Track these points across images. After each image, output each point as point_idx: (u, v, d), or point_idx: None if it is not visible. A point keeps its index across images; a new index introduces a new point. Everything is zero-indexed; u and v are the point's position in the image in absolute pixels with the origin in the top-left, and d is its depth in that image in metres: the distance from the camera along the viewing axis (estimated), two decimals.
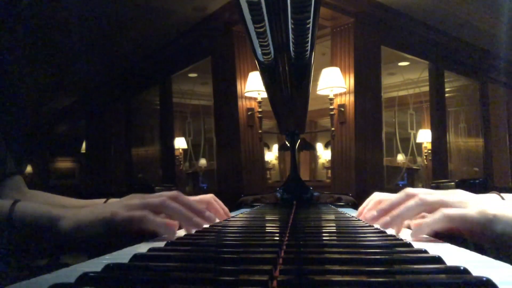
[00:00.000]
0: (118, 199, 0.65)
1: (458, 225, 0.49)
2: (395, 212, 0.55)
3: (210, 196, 0.80)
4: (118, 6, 3.02)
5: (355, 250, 0.42)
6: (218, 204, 0.81)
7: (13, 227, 0.51)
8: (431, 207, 0.53)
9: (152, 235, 0.53)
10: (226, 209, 0.83)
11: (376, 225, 0.60)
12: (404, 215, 0.55)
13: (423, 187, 3.89)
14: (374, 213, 0.60)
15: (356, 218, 0.78)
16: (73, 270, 0.34)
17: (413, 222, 0.54)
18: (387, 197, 0.77)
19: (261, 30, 0.63)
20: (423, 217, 0.56)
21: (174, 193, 0.58)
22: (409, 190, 0.58)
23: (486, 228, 0.47)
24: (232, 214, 0.91)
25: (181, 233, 0.57)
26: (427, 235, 0.52)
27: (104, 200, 0.73)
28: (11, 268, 0.56)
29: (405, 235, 0.54)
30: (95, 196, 0.80)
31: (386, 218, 0.55)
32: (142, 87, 4.57)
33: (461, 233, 0.51)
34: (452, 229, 0.51)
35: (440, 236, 0.52)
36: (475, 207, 0.50)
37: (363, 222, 0.67)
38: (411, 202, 0.54)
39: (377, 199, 0.78)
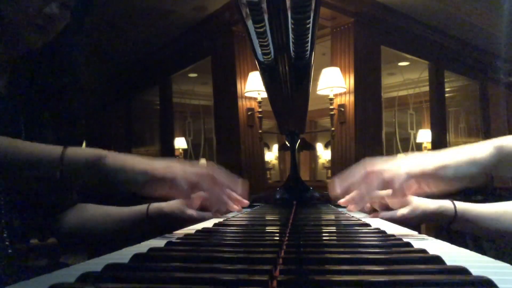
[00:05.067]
0: (155, 204, 0.71)
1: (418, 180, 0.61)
2: (360, 191, 0.63)
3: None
4: (117, 6, 3.02)
5: (355, 250, 0.42)
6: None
7: (65, 167, 0.56)
8: (392, 179, 0.61)
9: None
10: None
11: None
12: (369, 192, 0.62)
13: None
14: (337, 188, 0.65)
15: (356, 218, 0.78)
16: (73, 270, 0.34)
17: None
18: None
19: (261, 30, 0.63)
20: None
21: (210, 172, 0.61)
22: (367, 163, 0.66)
23: (439, 174, 0.59)
24: (232, 214, 0.91)
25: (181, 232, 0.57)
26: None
27: (146, 205, 0.77)
28: (11, 268, 0.57)
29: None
30: (95, 197, 0.81)
31: (352, 197, 0.63)
32: (142, 87, 4.57)
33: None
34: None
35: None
36: (428, 160, 0.62)
37: (363, 222, 0.67)
38: (372, 179, 0.62)
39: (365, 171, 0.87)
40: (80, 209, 0.84)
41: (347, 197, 0.64)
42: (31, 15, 0.63)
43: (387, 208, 0.73)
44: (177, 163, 0.60)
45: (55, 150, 0.57)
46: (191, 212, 0.67)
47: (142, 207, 0.79)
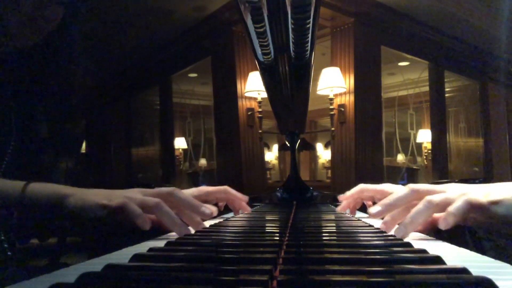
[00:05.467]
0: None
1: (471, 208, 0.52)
2: (407, 219, 0.55)
3: (224, 191, 0.86)
4: (117, 6, 3.02)
5: (355, 250, 0.42)
6: (235, 196, 0.87)
7: (25, 207, 0.54)
8: (438, 208, 0.55)
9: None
10: (245, 198, 0.90)
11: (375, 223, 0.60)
12: (416, 220, 0.54)
13: None
14: (379, 208, 0.60)
15: (356, 218, 0.78)
16: (73, 270, 0.34)
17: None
18: (368, 185, 0.82)
19: (261, 30, 0.63)
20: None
21: (170, 190, 0.60)
22: (412, 186, 0.59)
23: (491, 211, 0.51)
24: (232, 214, 0.91)
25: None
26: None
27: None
28: (11, 268, 0.57)
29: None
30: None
31: (401, 228, 0.55)
32: (142, 87, 4.57)
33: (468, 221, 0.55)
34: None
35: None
36: (479, 192, 0.53)
37: (363, 222, 0.67)
38: (420, 206, 0.55)
39: (360, 188, 0.83)
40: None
41: (389, 216, 0.59)
42: (24, 13, 0.63)
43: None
44: (134, 191, 0.59)
45: (15, 187, 0.55)
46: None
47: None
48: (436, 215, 0.57)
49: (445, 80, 3.87)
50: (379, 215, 0.61)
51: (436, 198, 0.55)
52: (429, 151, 3.96)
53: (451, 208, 0.52)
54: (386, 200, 0.60)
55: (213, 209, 0.69)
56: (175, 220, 0.57)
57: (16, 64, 0.71)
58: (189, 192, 0.81)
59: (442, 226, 0.53)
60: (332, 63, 3.13)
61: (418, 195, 0.58)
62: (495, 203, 0.51)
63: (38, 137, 0.68)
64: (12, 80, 0.72)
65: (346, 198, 0.89)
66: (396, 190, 0.75)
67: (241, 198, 0.88)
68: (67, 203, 0.55)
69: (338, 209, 0.94)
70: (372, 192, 0.84)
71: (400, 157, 4.14)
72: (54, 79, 0.76)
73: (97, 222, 0.55)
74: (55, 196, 0.56)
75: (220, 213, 0.88)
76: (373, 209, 0.62)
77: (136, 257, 0.36)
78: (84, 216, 0.55)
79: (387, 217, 0.60)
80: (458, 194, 0.54)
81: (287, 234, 0.51)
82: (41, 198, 0.55)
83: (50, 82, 0.76)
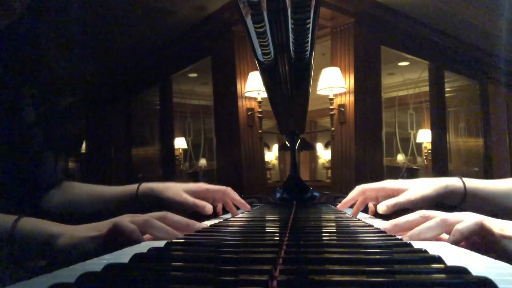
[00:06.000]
0: (146, 184, 0.70)
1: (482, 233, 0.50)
2: (415, 231, 0.54)
3: (225, 188, 0.85)
4: (117, 6, 3.02)
5: (355, 250, 0.42)
6: (234, 199, 0.86)
7: (14, 243, 0.53)
8: (452, 227, 0.52)
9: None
10: (242, 201, 0.89)
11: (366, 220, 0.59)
12: (424, 234, 0.53)
13: None
14: (386, 225, 0.58)
15: (356, 218, 0.78)
16: (73, 270, 0.34)
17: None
18: (368, 185, 0.81)
19: (261, 30, 0.63)
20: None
21: (161, 213, 0.59)
22: (425, 212, 0.57)
23: (500, 245, 0.48)
24: (230, 214, 0.91)
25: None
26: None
27: (137, 185, 0.76)
28: (11, 268, 0.57)
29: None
30: None
31: (405, 238, 0.53)
32: (142, 87, 4.57)
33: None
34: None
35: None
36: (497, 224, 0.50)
37: (363, 222, 0.67)
38: (431, 222, 0.53)
39: (360, 189, 0.81)
40: (66, 187, 0.83)
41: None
42: None
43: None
44: (121, 216, 0.57)
45: (6, 222, 0.54)
46: (186, 197, 0.66)
47: (133, 187, 0.78)
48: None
49: (445, 80, 3.87)
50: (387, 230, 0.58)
51: (451, 217, 0.52)
52: (429, 151, 3.96)
53: (459, 226, 0.50)
54: (398, 221, 0.57)
55: (209, 207, 0.68)
56: (169, 232, 0.56)
57: None
58: (188, 187, 0.80)
59: (448, 241, 0.51)
60: (332, 63, 3.13)
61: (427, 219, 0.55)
62: (508, 238, 0.48)
63: (22, 123, 0.66)
64: None
65: (347, 202, 0.87)
66: (397, 186, 0.74)
67: (239, 203, 0.87)
68: (58, 243, 0.54)
69: (339, 207, 0.93)
70: (375, 191, 0.82)
71: (400, 157, 4.14)
72: (32, 66, 0.74)
73: (91, 255, 0.55)
74: (46, 235, 0.54)
75: (214, 215, 0.87)
76: (383, 223, 0.60)
77: (136, 257, 0.36)
78: (76, 253, 0.54)
79: (390, 226, 0.58)
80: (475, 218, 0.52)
81: (287, 234, 0.51)
82: (31, 236, 0.54)
83: (29, 68, 0.73)
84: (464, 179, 0.71)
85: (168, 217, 0.58)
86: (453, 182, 0.71)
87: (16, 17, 0.66)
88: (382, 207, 0.69)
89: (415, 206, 0.58)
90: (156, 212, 0.59)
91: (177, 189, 0.76)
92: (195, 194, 0.77)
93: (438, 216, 0.53)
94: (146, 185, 0.78)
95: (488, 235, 0.49)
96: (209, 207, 0.70)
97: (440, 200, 0.59)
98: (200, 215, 0.75)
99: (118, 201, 0.74)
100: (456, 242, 0.50)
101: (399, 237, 0.53)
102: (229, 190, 0.86)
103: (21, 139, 0.74)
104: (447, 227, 0.52)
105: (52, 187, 0.80)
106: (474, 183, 0.65)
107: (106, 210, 0.75)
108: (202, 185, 0.83)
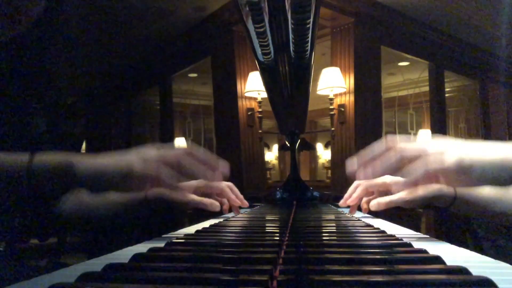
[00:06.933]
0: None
1: (437, 174, 0.52)
2: (376, 165, 0.55)
3: (225, 184, 0.84)
4: (117, 6, 3.02)
5: (355, 250, 0.42)
6: (234, 193, 0.85)
7: (32, 177, 0.51)
8: (410, 160, 0.53)
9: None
10: (241, 196, 0.88)
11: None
12: (385, 168, 0.54)
13: None
14: (354, 164, 0.59)
15: (356, 218, 0.78)
16: (73, 270, 0.34)
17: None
18: (369, 182, 0.82)
19: (261, 30, 0.63)
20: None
21: (188, 148, 0.58)
22: (389, 139, 0.58)
23: (464, 176, 0.50)
24: (232, 214, 0.91)
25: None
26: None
27: None
28: (11, 268, 0.57)
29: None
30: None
31: (368, 171, 0.55)
32: (142, 87, 4.57)
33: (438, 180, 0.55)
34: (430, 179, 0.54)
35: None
36: (452, 156, 0.51)
37: (363, 222, 0.67)
38: (391, 155, 0.54)
39: (364, 186, 0.82)
40: (76, 192, 0.82)
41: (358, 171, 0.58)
42: (3, 5, 0.61)
43: (385, 194, 0.72)
44: (151, 151, 0.56)
45: (21, 159, 0.52)
46: (192, 196, 0.66)
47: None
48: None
49: (445, 80, 3.87)
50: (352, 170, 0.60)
51: (410, 150, 0.53)
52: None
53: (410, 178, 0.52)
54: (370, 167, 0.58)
55: (216, 204, 0.68)
56: (202, 169, 0.55)
57: None
58: (190, 184, 0.80)
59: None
60: (332, 63, 3.13)
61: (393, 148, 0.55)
62: (466, 168, 0.49)
63: (29, 131, 0.66)
64: None
65: (352, 201, 0.87)
66: (395, 181, 0.74)
67: (240, 201, 0.87)
68: (75, 169, 0.52)
69: (342, 204, 0.92)
70: (376, 186, 0.82)
71: None
72: (33, 74, 0.74)
73: (114, 190, 0.53)
74: (60, 164, 0.52)
75: (220, 213, 0.87)
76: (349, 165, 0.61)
77: (136, 257, 0.36)
78: (97, 184, 0.52)
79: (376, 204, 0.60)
80: (435, 151, 0.52)
81: (287, 234, 0.51)
82: (46, 168, 0.52)
83: (29, 77, 0.73)
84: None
85: (195, 153, 0.58)
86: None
87: (24, 29, 0.66)
88: (375, 205, 0.69)
89: (408, 206, 0.59)
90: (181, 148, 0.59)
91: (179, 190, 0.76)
92: (198, 190, 0.77)
93: (396, 148, 0.54)
94: (154, 189, 0.78)
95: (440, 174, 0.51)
96: (216, 204, 0.70)
97: (430, 201, 0.60)
98: (202, 213, 0.75)
99: (126, 205, 0.74)
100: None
101: None
102: (230, 186, 0.86)
103: (32, 146, 0.75)
104: (406, 159, 0.53)
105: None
106: (466, 189, 0.65)
107: (114, 214, 0.75)
108: (201, 181, 0.83)
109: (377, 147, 0.57)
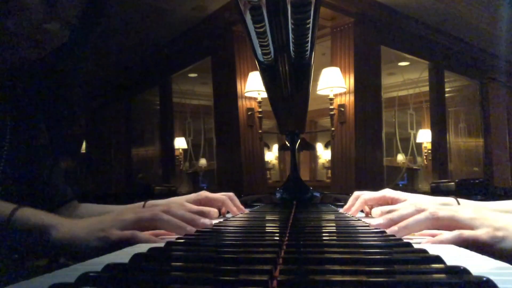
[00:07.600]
0: (152, 202, 0.75)
1: (469, 245, 0.49)
2: (403, 223, 0.54)
3: (225, 197, 0.87)
4: (117, 6, 3.02)
5: (355, 250, 0.42)
6: (234, 204, 0.88)
7: (10, 231, 0.53)
8: (441, 223, 0.53)
9: None
10: (243, 208, 0.92)
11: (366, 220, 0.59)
12: (412, 227, 0.54)
13: (423, 187, 3.90)
14: (381, 220, 0.58)
15: (356, 218, 0.78)
16: (73, 270, 0.34)
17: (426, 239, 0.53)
18: (369, 195, 0.84)
19: (261, 30, 0.63)
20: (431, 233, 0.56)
21: (165, 206, 0.59)
22: (419, 204, 0.57)
23: (496, 248, 0.48)
24: (231, 214, 0.91)
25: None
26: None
27: (143, 203, 0.79)
28: (11, 268, 0.57)
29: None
30: (95, 196, 0.83)
31: (394, 228, 0.54)
32: (142, 87, 4.57)
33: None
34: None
35: None
36: (485, 227, 0.50)
37: (363, 222, 0.67)
38: (421, 216, 0.53)
39: (363, 200, 0.85)
40: (76, 206, 0.85)
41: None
42: (30, 29, 0.64)
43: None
44: (128, 214, 0.56)
45: (5, 210, 0.54)
46: (190, 205, 0.68)
47: (140, 205, 0.80)
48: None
49: (445, 80, 3.87)
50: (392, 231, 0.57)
51: (441, 213, 0.52)
52: (429, 151, 3.96)
53: (441, 237, 0.50)
54: (392, 215, 0.57)
55: (214, 211, 0.69)
56: (179, 224, 0.56)
57: (16, 74, 0.72)
58: (189, 197, 0.82)
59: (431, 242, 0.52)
60: (332, 63, 3.13)
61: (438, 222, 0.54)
62: (501, 240, 0.47)
63: (36, 143, 0.68)
64: (11, 94, 0.72)
65: (353, 213, 0.90)
66: (397, 196, 0.76)
67: (238, 208, 0.89)
68: (54, 235, 0.54)
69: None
70: (375, 200, 0.85)
71: (400, 157, 4.14)
72: (54, 96, 0.77)
73: (91, 251, 0.53)
74: (42, 225, 0.54)
75: (218, 214, 0.88)
76: (375, 222, 0.60)
77: (136, 257, 0.36)
78: (74, 248, 0.53)
79: (386, 221, 0.58)
80: (467, 218, 0.51)
81: (287, 234, 0.51)
82: (29, 224, 0.54)
83: (50, 97, 0.77)
84: (460, 200, 0.73)
85: (172, 211, 0.59)
86: (448, 201, 0.73)
87: (47, 52, 0.68)
88: (376, 212, 0.71)
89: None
90: (157, 206, 0.60)
91: (180, 201, 0.78)
92: (195, 203, 0.79)
93: (428, 210, 0.54)
94: (152, 203, 0.80)
95: (472, 245, 0.48)
96: (214, 211, 0.71)
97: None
98: None
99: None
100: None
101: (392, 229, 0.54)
102: (227, 200, 0.87)
103: (34, 159, 0.77)
104: (435, 221, 0.53)
105: (62, 205, 0.82)
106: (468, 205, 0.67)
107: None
108: (202, 193, 0.85)
109: (408, 210, 0.56)
